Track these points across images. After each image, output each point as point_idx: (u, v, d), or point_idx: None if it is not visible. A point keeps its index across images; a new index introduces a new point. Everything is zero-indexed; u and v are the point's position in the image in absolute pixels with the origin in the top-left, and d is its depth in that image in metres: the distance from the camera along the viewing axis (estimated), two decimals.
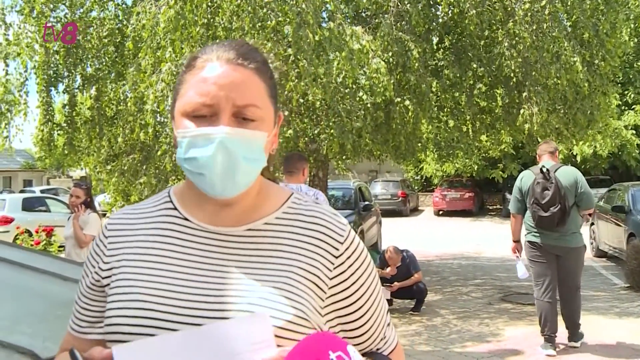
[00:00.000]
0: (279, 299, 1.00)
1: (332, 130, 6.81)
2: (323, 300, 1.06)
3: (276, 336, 0.94)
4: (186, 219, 1.10)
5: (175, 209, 1.13)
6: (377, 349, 1.16)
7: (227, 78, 1.02)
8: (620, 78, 18.47)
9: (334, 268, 1.07)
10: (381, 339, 1.16)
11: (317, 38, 5.93)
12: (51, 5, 7.62)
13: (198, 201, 1.10)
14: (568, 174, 5.61)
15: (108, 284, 1.08)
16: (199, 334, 0.94)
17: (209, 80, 1.02)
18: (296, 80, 6.18)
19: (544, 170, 5.58)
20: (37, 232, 9.70)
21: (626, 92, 20.76)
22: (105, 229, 1.14)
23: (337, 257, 1.08)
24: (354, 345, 1.07)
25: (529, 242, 5.73)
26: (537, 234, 5.61)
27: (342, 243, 1.09)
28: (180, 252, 1.07)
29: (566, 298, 5.68)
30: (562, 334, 5.82)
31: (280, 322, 0.97)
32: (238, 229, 1.08)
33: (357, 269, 1.10)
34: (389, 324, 1.18)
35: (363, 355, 1.09)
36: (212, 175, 1.00)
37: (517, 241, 5.92)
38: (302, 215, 1.11)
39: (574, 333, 5.79)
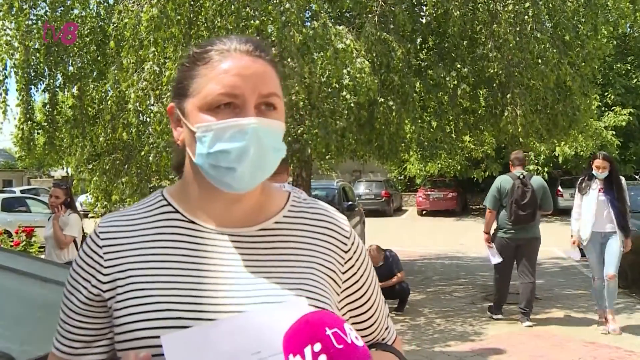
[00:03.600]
0: (312, 295, 1.01)
1: (316, 130, 6.79)
2: (338, 295, 1.09)
3: None
4: (192, 222, 1.06)
5: (177, 211, 1.08)
6: (383, 339, 1.19)
7: (250, 69, 1.01)
8: (601, 80, 18.69)
9: (345, 263, 1.10)
10: (385, 329, 1.20)
11: (301, 37, 5.92)
12: (31, 3, 7.51)
13: (200, 202, 1.07)
14: (538, 182, 7.02)
15: (112, 297, 1.01)
16: (244, 319, 0.95)
17: (231, 71, 1.00)
18: (281, 79, 6.15)
19: (522, 177, 6.90)
20: (17, 232, 9.59)
21: (606, 94, 21.02)
22: (97, 238, 1.06)
23: (346, 252, 1.11)
24: (363, 336, 1.11)
25: (500, 237, 6.96)
26: (509, 230, 6.88)
27: (348, 238, 1.12)
28: (194, 256, 1.03)
29: (524, 279, 6.92)
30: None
31: None
32: (250, 229, 1.07)
33: (362, 263, 1.14)
34: (388, 315, 1.22)
35: (370, 347, 1.12)
36: (244, 168, 0.97)
37: (488, 232, 7.04)
38: (307, 213, 1.12)
39: (529, 312, 6.89)
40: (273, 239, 1.07)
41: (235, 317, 0.96)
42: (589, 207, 6.55)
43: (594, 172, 6.58)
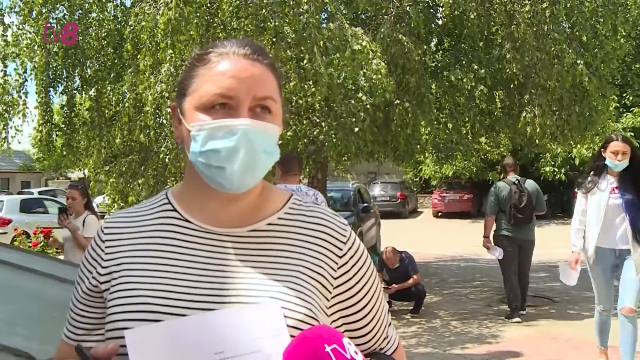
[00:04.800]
0: (290, 299, 1.00)
1: (334, 132, 6.80)
2: (328, 300, 1.07)
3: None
4: (187, 220, 1.09)
5: (175, 210, 1.11)
6: (381, 349, 1.16)
7: (247, 72, 1.03)
8: (619, 80, 18.50)
9: (338, 268, 1.08)
10: (384, 339, 1.17)
11: (321, 39, 5.92)
12: (50, 6, 7.60)
13: (198, 201, 1.10)
14: (532, 186, 7.32)
15: (107, 289, 1.06)
16: (211, 317, 0.95)
17: (228, 73, 1.03)
18: (297, 81, 6.17)
19: (517, 182, 7.22)
20: (34, 233, 9.69)
21: (624, 95, 20.77)
22: (101, 232, 1.12)
23: (340, 257, 1.09)
24: (358, 345, 1.08)
25: (502, 235, 7.28)
26: (510, 230, 7.20)
27: (344, 243, 1.10)
28: (182, 253, 1.06)
29: (522, 279, 7.32)
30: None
31: (292, 321, 0.97)
32: (241, 229, 1.08)
33: (359, 269, 1.11)
34: (390, 324, 1.19)
35: (367, 355, 1.10)
36: (233, 168, 0.99)
37: (487, 237, 7.34)
38: (303, 216, 1.11)
39: (523, 304, 7.30)
40: (262, 241, 1.07)
41: (201, 315, 0.96)
42: (597, 213, 4.92)
43: (608, 161, 4.85)
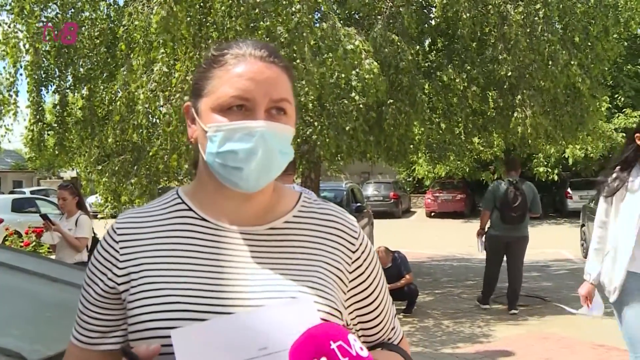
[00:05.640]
0: (316, 293, 1.03)
1: (327, 131, 6.80)
2: (345, 294, 1.11)
3: None
4: (204, 219, 1.10)
5: (190, 209, 1.12)
6: (389, 339, 1.21)
7: (263, 74, 1.05)
8: (611, 82, 18.58)
9: (352, 262, 1.12)
10: (392, 329, 1.21)
11: (313, 38, 5.92)
12: (42, 5, 7.55)
13: (213, 200, 1.11)
14: (529, 188, 7.61)
15: (127, 290, 1.05)
16: (254, 314, 0.97)
17: (245, 75, 1.04)
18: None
19: (515, 182, 7.50)
20: (26, 233, 9.65)
21: (616, 96, 20.88)
22: (114, 233, 1.11)
23: (354, 252, 1.13)
24: (369, 336, 1.17)
25: (492, 235, 7.65)
26: (501, 229, 7.52)
27: (356, 238, 1.14)
28: (204, 252, 1.07)
29: (514, 274, 7.57)
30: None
31: (321, 315, 0.99)
32: (259, 228, 1.10)
33: (370, 263, 1.15)
34: (395, 315, 1.23)
35: (375, 346, 1.16)
36: (250, 169, 1.01)
37: (483, 228, 7.78)
38: (316, 213, 1.14)
39: (514, 302, 7.55)
40: (282, 238, 1.09)
41: (244, 312, 0.98)
42: (628, 224, 3.39)
43: None
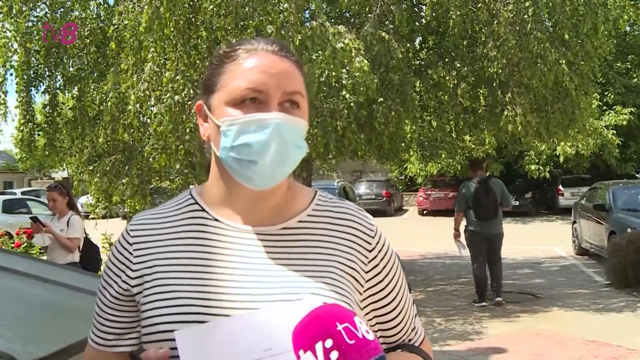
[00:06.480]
0: (328, 294, 1.01)
1: (315, 130, 6.79)
2: (361, 294, 1.09)
3: None
4: (217, 220, 1.09)
5: (203, 210, 1.11)
6: (409, 340, 1.18)
7: (276, 67, 1.05)
8: (601, 79, 18.64)
9: (369, 262, 1.10)
10: (412, 329, 1.19)
11: (299, 37, 5.91)
12: (31, 5, 7.51)
13: (227, 200, 1.10)
14: (497, 184, 8.03)
15: (140, 292, 1.05)
16: (258, 315, 0.96)
17: (258, 68, 1.04)
18: None
19: (481, 181, 7.90)
20: (17, 234, 9.57)
21: (606, 93, 20.99)
22: (128, 235, 1.11)
23: (370, 252, 1.10)
24: (389, 337, 1.14)
25: (471, 231, 7.99)
26: (477, 225, 7.86)
27: (373, 237, 1.12)
28: (217, 253, 1.06)
29: (495, 267, 7.95)
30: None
31: None
32: (273, 227, 1.08)
33: (387, 262, 1.13)
34: (416, 315, 1.21)
35: (395, 347, 1.14)
36: (265, 162, 1.00)
37: (458, 230, 8.17)
38: (331, 212, 1.13)
39: (499, 291, 7.88)
40: (295, 238, 1.08)
41: (248, 314, 0.97)
42: None
43: None
